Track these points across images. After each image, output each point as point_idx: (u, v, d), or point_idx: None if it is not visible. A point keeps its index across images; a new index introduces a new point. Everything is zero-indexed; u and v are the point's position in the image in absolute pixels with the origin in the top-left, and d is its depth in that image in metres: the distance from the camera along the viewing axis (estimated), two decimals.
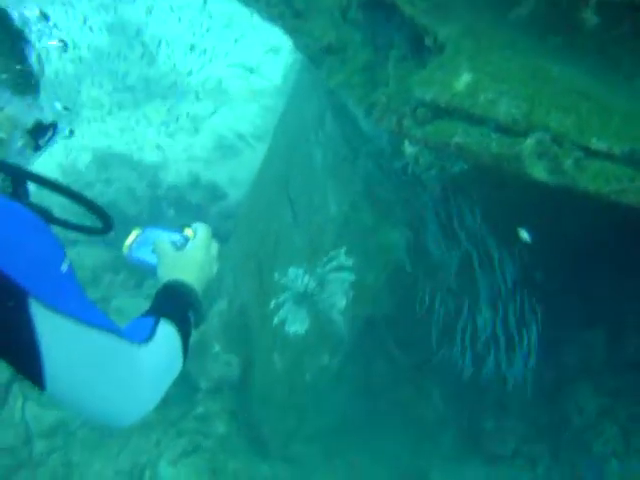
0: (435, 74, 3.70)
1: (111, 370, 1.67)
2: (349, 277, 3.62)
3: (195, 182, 9.62)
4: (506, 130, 3.40)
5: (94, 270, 8.06)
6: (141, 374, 1.73)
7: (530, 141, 3.24)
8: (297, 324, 4.58)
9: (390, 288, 5.66)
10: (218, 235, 2.42)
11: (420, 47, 4.00)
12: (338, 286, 4.20)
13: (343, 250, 3.60)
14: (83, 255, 8.20)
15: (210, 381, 6.62)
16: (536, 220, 4.45)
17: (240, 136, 13.40)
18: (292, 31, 4.14)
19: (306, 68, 6.57)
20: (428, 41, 3.83)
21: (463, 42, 3.68)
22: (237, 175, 11.05)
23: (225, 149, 12.89)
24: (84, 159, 10.70)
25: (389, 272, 5.53)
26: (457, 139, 3.48)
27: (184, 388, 6.60)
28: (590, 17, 3.41)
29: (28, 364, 1.55)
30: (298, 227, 6.25)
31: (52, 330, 1.55)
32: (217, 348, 6.73)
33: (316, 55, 4.19)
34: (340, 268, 3.78)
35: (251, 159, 10.65)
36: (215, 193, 9.47)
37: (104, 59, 15.61)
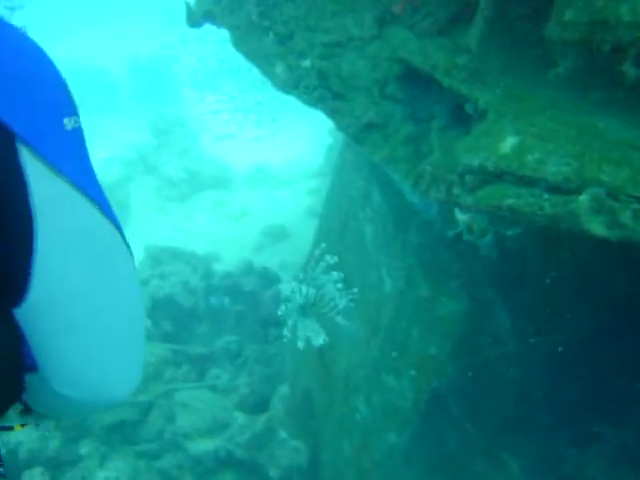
0: (480, 140, 3.70)
1: (113, 280, 1.34)
2: (339, 276, 3.56)
3: (247, 269, 9.69)
4: (558, 189, 3.36)
5: (156, 365, 8.10)
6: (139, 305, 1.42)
7: (584, 197, 3.19)
8: (313, 336, 4.51)
9: (454, 359, 5.55)
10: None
11: (461, 115, 4.03)
12: (332, 287, 4.13)
13: (324, 246, 3.54)
14: (145, 352, 8.25)
15: (279, 469, 6.52)
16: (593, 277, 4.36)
17: (287, 220, 13.54)
18: (333, 113, 4.20)
19: (348, 146, 6.65)
20: (469, 108, 3.85)
21: (504, 106, 3.69)
22: (288, 259, 11.13)
23: (274, 233, 13.02)
24: (137, 256, 10.90)
25: (452, 343, 5.44)
26: (509, 202, 3.45)
27: (254, 477, 6.51)
28: (629, 70, 3.40)
29: (14, 238, 1.19)
30: (355, 306, 6.20)
31: (50, 198, 1.21)
32: (284, 434, 6.64)
33: (358, 133, 4.23)
34: (328, 268, 3.72)
35: (300, 242, 10.71)
36: (268, 278, 9.51)
37: (149, 157, 16.08)
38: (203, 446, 7.05)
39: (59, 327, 1.27)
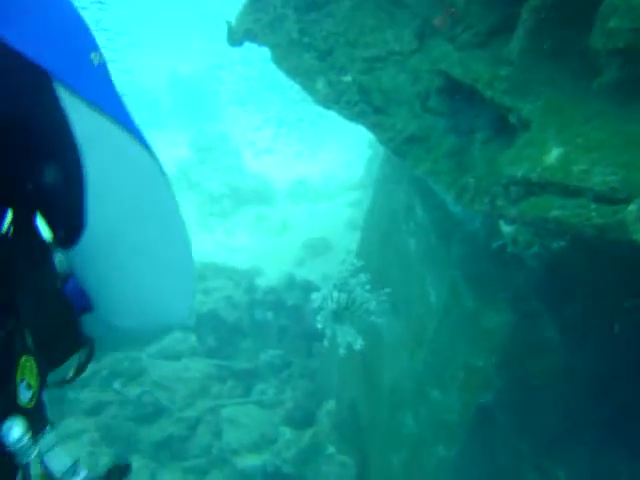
0: (524, 151, 3.67)
1: (161, 208, 1.37)
2: (366, 277, 3.54)
3: (290, 283, 9.71)
4: (605, 199, 3.31)
5: (201, 381, 8.15)
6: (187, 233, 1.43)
7: (633, 207, 3.14)
8: (352, 340, 4.48)
9: (501, 372, 5.49)
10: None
11: (504, 127, 4.00)
12: (361, 290, 4.10)
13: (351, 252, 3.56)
14: (189, 367, 8.34)
15: None
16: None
17: (329, 233, 13.56)
18: (374, 127, 4.20)
19: (389, 160, 6.64)
20: (512, 119, 3.82)
21: (548, 116, 3.66)
22: (330, 271, 11.11)
23: (315, 246, 13.04)
24: None
25: (498, 355, 5.38)
26: (555, 213, 3.41)
27: None
28: None
29: (66, 177, 1.19)
30: (399, 319, 6.19)
31: (92, 133, 1.21)
32: (331, 449, 6.63)
33: (400, 147, 4.23)
34: (356, 271, 3.71)
35: (342, 254, 10.69)
36: (310, 291, 9.51)
37: (191, 173, 16.23)
38: (250, 461, 7.06)
39: (115, 260, 1.29)
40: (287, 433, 7.04)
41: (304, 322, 8.98)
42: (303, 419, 7.32)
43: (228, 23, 4.69)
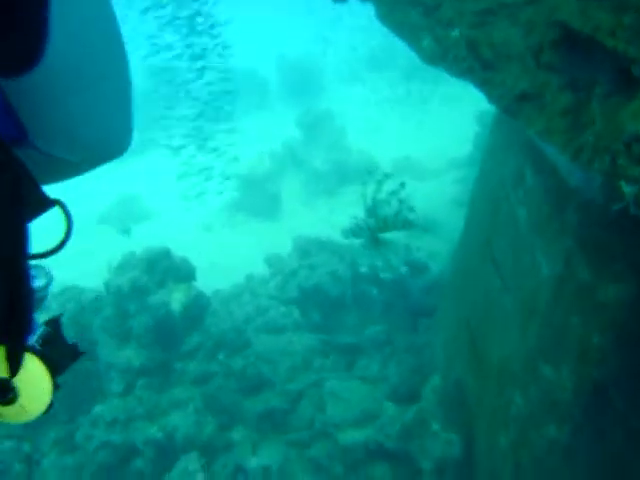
0: None
1: (109, 44, 1.33)
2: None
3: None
4: None
5: (304, 355, 8.11)
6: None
7: None
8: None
9: (618, 348, 5.16)
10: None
11: (626, 80, 3.69)
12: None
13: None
14: (293, 341, 8.32)
15: (432, 461, 6.33)
16: None
17: (435, 210, 13.29)
18: (483, 83, 3.97)
19: (499, 126, 6.36)
20: (636, 71, 3.52)
21: None
22: (436, 248, 10.88)
23: (422, 224, 12.78)
24: (286, 248, 11.02)
25: (616, 331, 5.05)
26: None
27: (405, 469, 6.37)
28: None
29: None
30: (508, 291, 5.93)
31: None
32: (436, 426, 6.45)
33: (511, 105, 3.98)
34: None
35: (449, 231, 10.45)
36: (417, 267, 9.33)
37: (298, 151, 16.26)
38: (353, 436, 6.97)
39: (66, 88, 1.25)
40: (390, 409, 6.90)
41: (410, 297, 8.80)
42: (407, 395, 7.17)
43: None
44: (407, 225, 7.08)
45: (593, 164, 3.69)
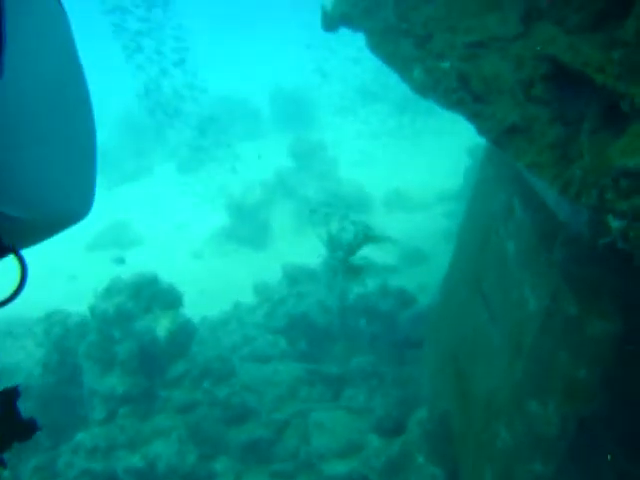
0: (637, 141, 3.38)
1: (73, 92, 1.23)
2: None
3: (383, 290, 9.52)
4: None
5: (290, 384, 8.05)
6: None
7: None
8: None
9: (606, 384, 5.12)
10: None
11: (615, 115, 3.71)
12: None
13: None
14: (279, 370, 8.25)
15: None
16: None
17: (425, 242, 13.32)
18: (473, 116, 3.98)
19: (489, 159, 6.38)
20: (625, 107, 3.53)
21: None
22: (425, 280, 10.86)
23: (410, 256, 12.80)
24: (276, 276, 10.99)
25: (603, 367, 5.02)
26: None
27: None
28: None
29: None
30: (496, 326, 5.90)
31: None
32: (421, 459, 6.38)
33: (501, 137, 3.99)
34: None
35: (438, 264, 10.45)
36: (404, 299, 9.30)
37: (289, 180, 16.29)
38: (337, 468, 6.89)
39: (21, 134, 1.13)
40: (375, 440, 6.83)
41: (397, 329, 8.76)
42: (393, 427, 7.10)
43: (323, 6, 4.57)
44: (369, 239, 7.27)
45: (581, 198, 3.69)
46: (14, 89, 1.08)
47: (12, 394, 1.39)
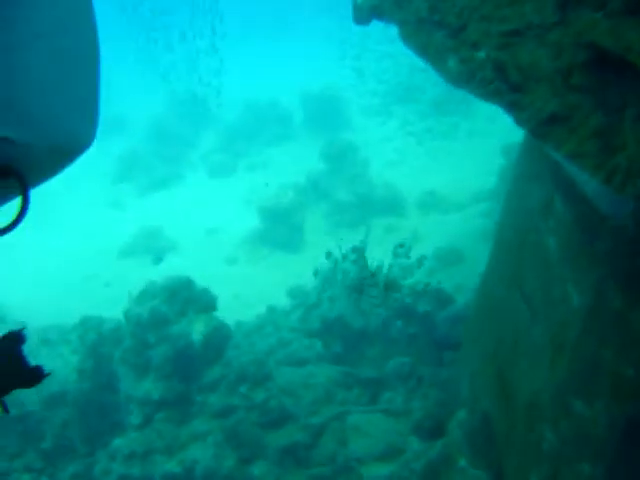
0: None
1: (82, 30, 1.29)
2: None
3: (422, 291, 9.38)
4: None
5: (327, 387, 7.95)
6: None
7: None
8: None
9: None
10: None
11: None
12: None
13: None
14: (315, 373, 8.16)
15: None
16: None
17: (461, 243, 13.16)
18: (511, 106, 3.86)
19: (526, 154, 6.23)
20: None
21: None
22: (462, 281, 10.72)
23: (446, 257, 12.65)
24: (309, 279, 10.91)
25: None
26: None
27: None
28: None
29: None
30: (537, 324, 5.75)
31: None
32: (463, 462, 6.24)
33: (539, 127, 3.86)
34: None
35: (475, 264, 10.29)
36: (441, 299, 9.16)
37: (321, 183, 16.21)
38: (377, 471, 6.78)
39: (29, 55, 1.19)
40: (415, 443, 6.71)
41: (435, 330, 8.63)
42: (433, 429, 6.97)
43: (354, 1, 4.48)
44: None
45: (626, 188, 3.55)
46: (24, 9, 1.14)
47: (17, 338, 1.37)
